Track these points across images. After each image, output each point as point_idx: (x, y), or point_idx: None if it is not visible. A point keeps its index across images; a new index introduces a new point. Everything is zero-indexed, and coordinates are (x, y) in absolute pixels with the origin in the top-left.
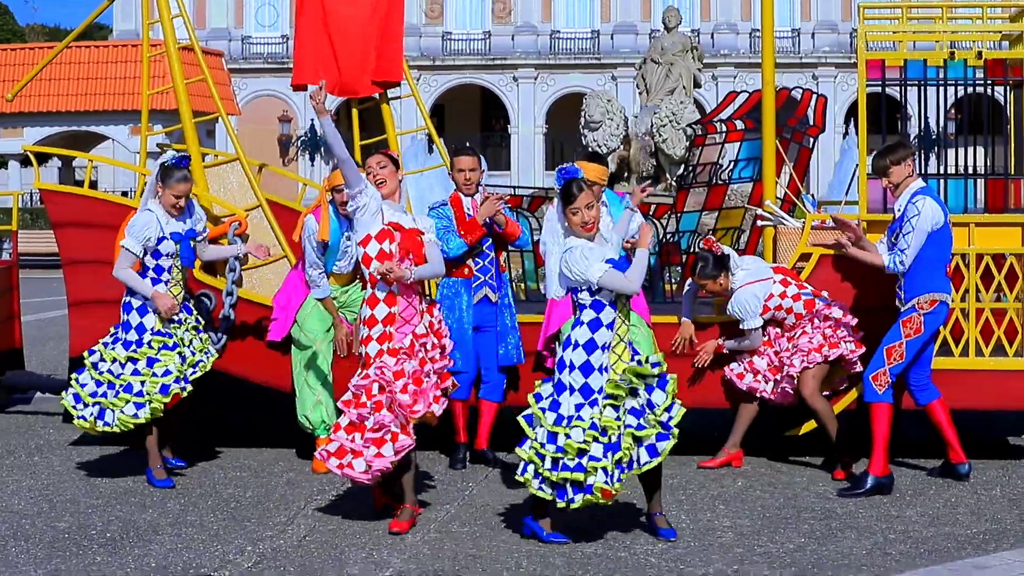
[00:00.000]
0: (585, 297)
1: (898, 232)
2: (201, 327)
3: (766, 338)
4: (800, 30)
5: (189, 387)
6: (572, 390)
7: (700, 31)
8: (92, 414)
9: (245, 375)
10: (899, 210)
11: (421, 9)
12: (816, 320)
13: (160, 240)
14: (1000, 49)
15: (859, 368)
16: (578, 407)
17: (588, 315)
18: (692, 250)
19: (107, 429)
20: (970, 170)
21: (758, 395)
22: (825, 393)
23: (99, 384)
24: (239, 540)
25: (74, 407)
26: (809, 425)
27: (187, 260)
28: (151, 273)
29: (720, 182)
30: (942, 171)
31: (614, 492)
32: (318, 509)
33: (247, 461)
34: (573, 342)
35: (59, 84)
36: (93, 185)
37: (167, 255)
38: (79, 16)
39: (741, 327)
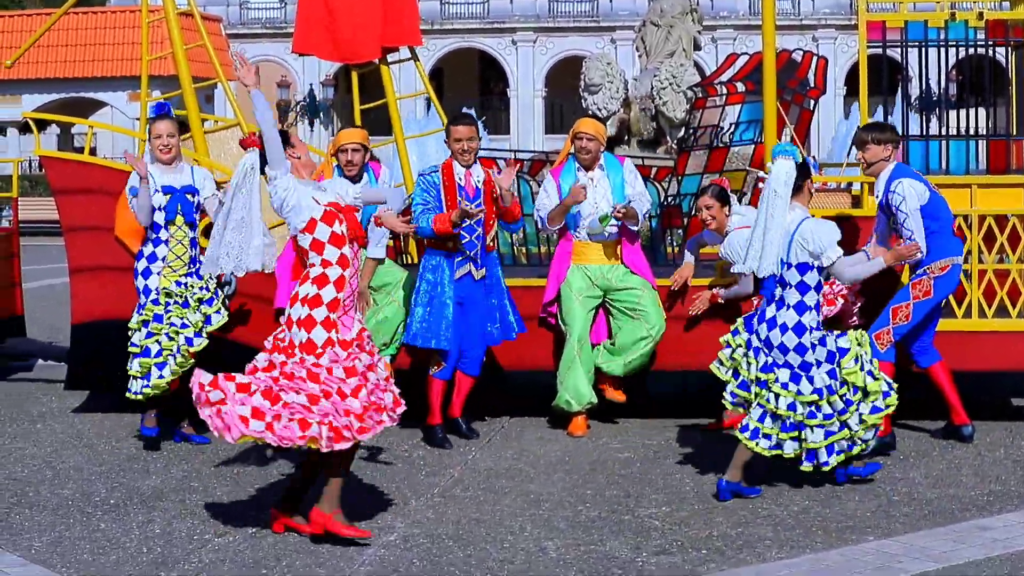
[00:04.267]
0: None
1: (888, 224)
2: (206, 298)
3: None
4: None
5: (204, 341)
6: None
7: None
8: (129, 388)
9: (250, 342)
10: (878, 196)
11: None
12: None
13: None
14: (1001, 10)
15: (857, 321)
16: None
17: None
18: (693, 213)
19: (135, 397)
20: (971, 131)
21: None
22: None
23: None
24: (242, 505)
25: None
26: None
27: (188, 216)
28: (150, 232)
29: (721, 145)
30: (943, 132)
31: None
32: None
33: None
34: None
35: (58, 51)
36: (93, 151)
37: (159, 208)
38: None
39: (732, 271)
